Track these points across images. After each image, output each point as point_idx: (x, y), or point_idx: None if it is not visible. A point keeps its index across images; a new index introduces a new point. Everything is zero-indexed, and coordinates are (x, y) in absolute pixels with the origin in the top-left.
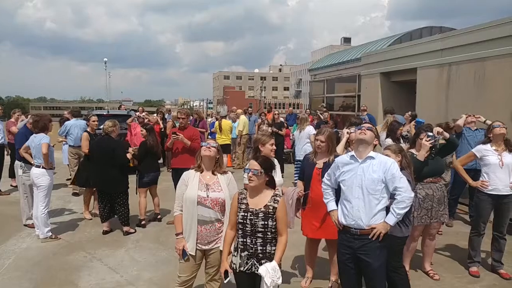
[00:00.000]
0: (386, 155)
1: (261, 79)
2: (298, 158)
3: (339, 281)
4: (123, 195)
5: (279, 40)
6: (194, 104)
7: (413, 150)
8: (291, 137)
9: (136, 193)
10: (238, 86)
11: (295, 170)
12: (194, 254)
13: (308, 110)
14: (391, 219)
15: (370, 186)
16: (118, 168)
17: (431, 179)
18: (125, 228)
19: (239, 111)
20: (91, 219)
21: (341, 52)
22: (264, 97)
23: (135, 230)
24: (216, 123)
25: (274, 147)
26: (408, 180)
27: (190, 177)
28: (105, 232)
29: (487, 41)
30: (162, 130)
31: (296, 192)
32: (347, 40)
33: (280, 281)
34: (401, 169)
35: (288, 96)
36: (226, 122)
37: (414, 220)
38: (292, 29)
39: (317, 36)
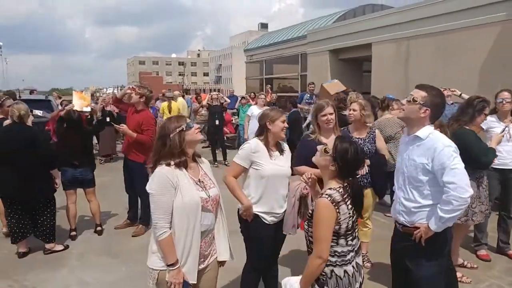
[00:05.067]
0: None
1: (179, 64)
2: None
3: None
4: (48, 202)
5: (196, 26)
6: (108, 92)
7: (473, 128)
8: (233, 121)
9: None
10: (155, 71)
11: None
12: (195, 282)
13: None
14: (432, 223)
15: (412, 175)
16: (40, 167)
17: None
18: (48, 246)
19: (176, 92)
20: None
21: (280, 30)
22: (183, 83)
23: (66, 246)
24: (165, 104)
25: (286, 124)
26: None
27: (177, 174)
28: (22, 255)
29: (446, 14)
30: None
31: (300, 188)
32: (264, 25)
33: None
34: None
35: (209, 82)
36: (175, 104)
37: (477, 216)
38: (209, 14)
39: (234, 22)
